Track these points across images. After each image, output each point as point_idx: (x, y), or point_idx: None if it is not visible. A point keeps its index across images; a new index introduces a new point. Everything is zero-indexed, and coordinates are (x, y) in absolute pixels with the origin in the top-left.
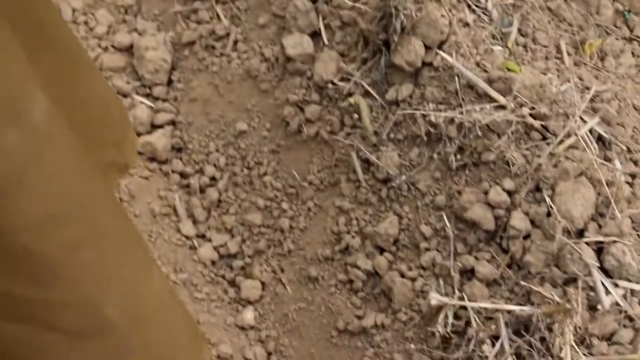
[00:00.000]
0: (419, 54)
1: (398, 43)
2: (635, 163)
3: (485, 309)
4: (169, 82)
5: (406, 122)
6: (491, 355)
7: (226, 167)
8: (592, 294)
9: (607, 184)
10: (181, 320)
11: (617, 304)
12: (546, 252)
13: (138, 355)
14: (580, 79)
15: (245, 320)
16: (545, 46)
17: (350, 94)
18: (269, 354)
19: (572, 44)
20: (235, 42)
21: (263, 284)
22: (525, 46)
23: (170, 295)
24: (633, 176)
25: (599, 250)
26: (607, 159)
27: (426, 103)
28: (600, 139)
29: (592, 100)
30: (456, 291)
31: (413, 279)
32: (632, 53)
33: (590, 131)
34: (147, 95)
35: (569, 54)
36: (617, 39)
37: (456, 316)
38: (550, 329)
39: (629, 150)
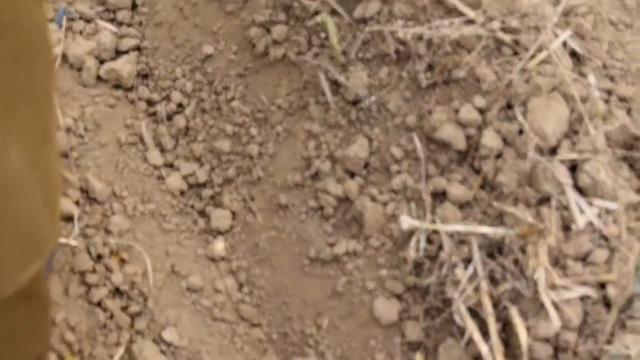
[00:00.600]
0: None
1: None
2: (612, 79)
3: (458, 232)
4: (134, 6)
5: (375, 41)
6: (464, 279)
7: (193, 93)
8: (566, 213)
9: (581, 100)
10: (39, 201)
11: (591, 223)
12: (519, 172)
13: None
14: None
15: (215, 252)
16: None
17: (317, 13)
18: (241, 285)
19: None
20: None
21: (233, 213)
22: None
23: (32, 173)
24: (609, 92)
25: (573, 168)
26: (582, 75)
27: (395, 20)
28: (574, 54)
29: (566, 15)
30: (428, 215)
31: (384, 204)
32: None
33: (565, 46)
34: (112, 21)
35: None
36: None
37: (429, 240)
38: (524, 251)
39: (604, 67)
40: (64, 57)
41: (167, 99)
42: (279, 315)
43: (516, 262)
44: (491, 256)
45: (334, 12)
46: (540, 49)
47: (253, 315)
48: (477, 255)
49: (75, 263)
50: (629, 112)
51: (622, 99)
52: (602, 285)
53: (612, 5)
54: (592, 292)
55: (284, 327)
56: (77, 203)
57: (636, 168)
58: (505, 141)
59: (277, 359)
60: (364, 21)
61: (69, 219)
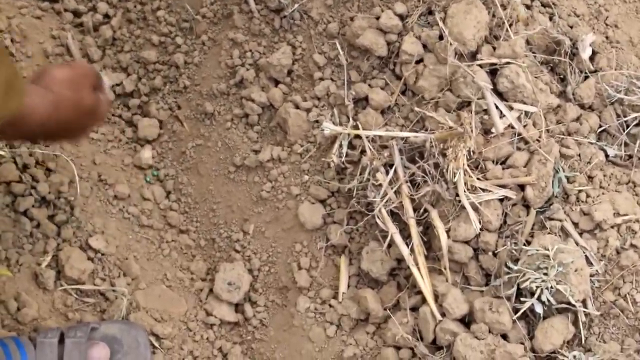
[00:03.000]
0: None
1: None
2: None
3: (380, 137)
4: None
5: None
6: (385, 182)
7: (119, 3)
8: (486, 117)
9: (501, 6)
10: None
11: (511, 126)
12: (439, 77)
13: None
14: None
15: (143, 160)
16: None
17: None
18: (168, 192)
19: None
20: None
21: (160, 122)
22: None
23: None
24: None
25: (493, 72)
26: None
27: None
28: None
29: None
30: (350, 120)
31: (308, 110)
32: None
33: None
34: None
35: None
36: None
37: (351, 145)
38: (444, 155)
39: None
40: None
41: (93, 9)
42: (205, 221)
43: (436, 165)
44: (412, 160)
45: None
46: None
47: (180, 222)
48: (398, 159)
49: (1, 173)
50: (551, 17)
51: (545, 4)
52: (522, 187)
53: None
54: (511, 194)
55: (210, 233)
56: None
57: (557, 72)
58: (425, 47)
59: (204, 264)
60: None
61: None
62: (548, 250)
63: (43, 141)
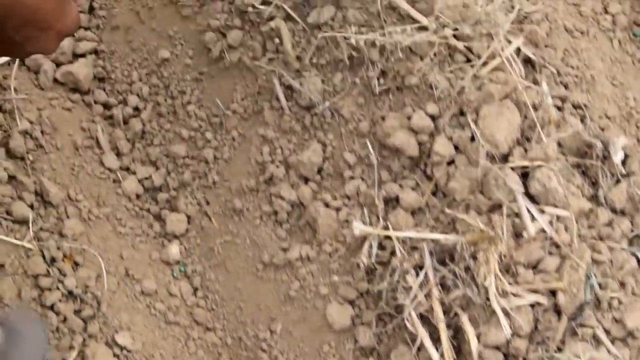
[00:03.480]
0: None
1: None
2: (566, 86)
3: (410, 238)
4: (91, 9)
5: (328, 46)
6: (415, 285)
7: (149, 96)
8: (517, 220)
9: (533, 107)
10: None
11: (543, 230)
12: (471, 178)
13: None
14: None
15: (170, 255)
16: None
17: (272, 18)
18: (195, 289)
19: None
20: None
21: (188, 217)
22: None
23: None
24: (563, 100)
25: (525, 175)
26: (535, 82)
27: (348, 26)
28: (528, 61)
29: (520, 22)
30: (380, 220)
31: (337, 209)
32: None
33: (518, 53)
34: None
35: None
36: None
37: (381, 246)
38: (475, 258)
39: (558, 73)
40: (21, 60)
41: (124, 102)
42: (232, 319)
43: (467, 268)
44: (442, 263)
45: (288, 17)
46: (492, 56)
47: (207, 319)
48: (428, 262)
49: (29, 266)
50: (583, 119)
51: (576, 106)
52: (553, 293)
53: (567, 12)
54: (542, 299)
55: (237, 332)
56: (32, 206)
57: (589, 175)
58: (457, 148)
59: None
60: (317, 27)
61: (23, 221)
62: (580, 357)
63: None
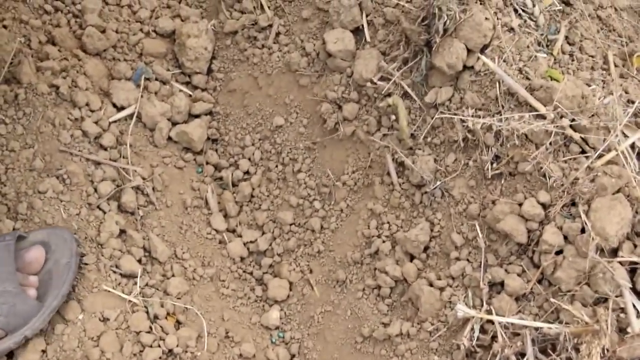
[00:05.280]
0: (460, 56)
1: (440, 45)
2: None
3: (512, 324)
4: (209, 71)
5: (444, 127)
6: None
7: (261, 161)
8: (622, 315)
9: None
10: None
11: None
12: (578, 270)
13: None
14: (626, 92)
15: (270, 320)
16: (592, 56)
17: (389, 94)
18: (292, 356)
19: (620, 55)
20: (278, 34)
21: (291, 283)
22: (571, 55)
23: None
24: None
25: (633, 270)
26: None
27: (465, 108)
28: None
29: (636, 115)
30: (484, 304)
31: (441, 289)
32: None
33: (632, 147)
34: (187, 84)
35: (616, 66)
36: None
37: (482, 329)
38: (577, 350)
39: None
40: (139, 116)
41: (235, 165)
42: None
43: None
44: (544, 352)
45: (405, 95)
46: (608, 149)
47: None
48: (530, 350)
49: (132, 322)
50: None
51: None
52: None
53: None
54: None
55: None
56: (139, 261)
57: None
58: (566, 238)
59: None
60: (434, 106)
61: (130, 276)
62: None
63: None
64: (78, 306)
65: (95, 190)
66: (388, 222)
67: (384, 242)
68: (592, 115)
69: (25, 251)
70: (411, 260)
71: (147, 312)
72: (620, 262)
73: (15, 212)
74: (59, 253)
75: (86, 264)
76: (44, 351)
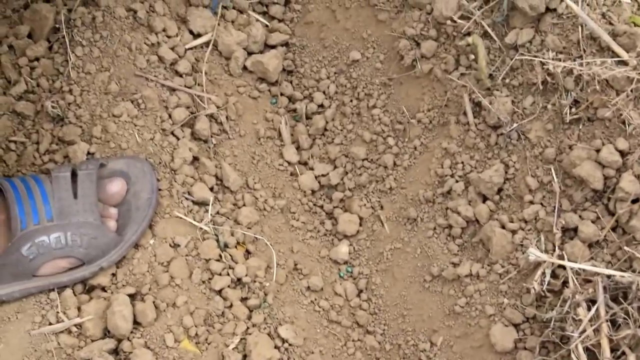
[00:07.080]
0: None
1: None
2: None
3: (584, 270)
4: (286, 2)
5: (523, 69)
6: (585, 319)
7: (335, 95)
8: None
9: None
10: None
11: None
12: None
13: None
14: None
15: (339, 254)
16: None
17: (468, 34)
18: (360, 291)
19: None
20: None
21: (361, 219)
22: None
23: None
24: None
25: None
26: None
27: (546, 51)
28: None
29: None
30: (556, 249)
31: (514, 232)
32: None
33: None
34: (264, 14)
35: None
36: None
37: (554, 274)
38: None
39: None
40: (215, 44)
41: (309, 97)
42: (394, 325)
43: None
44: (615, 300)
45: (485, 35)
46: None
47: (368, 322)
48: (601, 297)
49: (203, 249)
50: None
51: None
52: None
53: None
54: None
55: (397, 339)
56: (211, 189)
57: None
58: None
59: None
60: (514, 47)
61: (202, 203)
62: None
63: None
64: (149, 231)
65: (170, 116)
66: (462, 162)
67: (457, 181)
68: None
69: (108, 182)
70: (484, 202)
71: (217, 241)
72: None
73: (90, 135)
74: (138, 185)
75: (160, 189)
76: (113, 274)
